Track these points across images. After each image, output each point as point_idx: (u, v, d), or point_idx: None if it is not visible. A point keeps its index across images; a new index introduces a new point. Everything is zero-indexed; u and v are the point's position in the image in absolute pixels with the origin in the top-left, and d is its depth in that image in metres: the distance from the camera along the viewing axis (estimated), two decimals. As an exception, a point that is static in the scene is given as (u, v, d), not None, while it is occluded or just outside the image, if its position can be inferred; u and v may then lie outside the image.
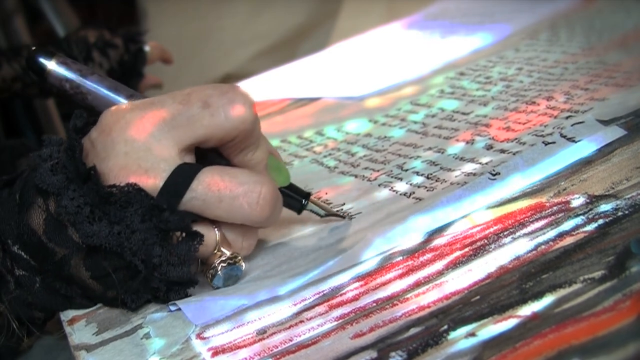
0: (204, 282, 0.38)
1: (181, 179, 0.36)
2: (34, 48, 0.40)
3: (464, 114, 0.55)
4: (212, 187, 0.36)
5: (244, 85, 0.93)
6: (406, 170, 0.47)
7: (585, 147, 0.41)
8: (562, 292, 0.29)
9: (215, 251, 0.37)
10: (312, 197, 0.42)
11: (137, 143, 0.36)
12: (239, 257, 0.38)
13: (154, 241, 0.35)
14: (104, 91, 0.40)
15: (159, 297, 0.37)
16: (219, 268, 0.37)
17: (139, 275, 0.36)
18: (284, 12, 1.30)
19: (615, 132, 0.42)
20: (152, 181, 0.36)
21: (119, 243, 0.35)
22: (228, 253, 0.38)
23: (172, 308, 0.37)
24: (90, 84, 0.40)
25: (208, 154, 0.38)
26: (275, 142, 0.63)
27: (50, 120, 1.18)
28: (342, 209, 0.45)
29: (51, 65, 0.40)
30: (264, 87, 0.90)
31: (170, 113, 0.36)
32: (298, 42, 1.29)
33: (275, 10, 1.31)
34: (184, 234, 0.36)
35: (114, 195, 0.35)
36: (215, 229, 0.37)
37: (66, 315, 0.39)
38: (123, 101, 0.39)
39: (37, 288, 0.38)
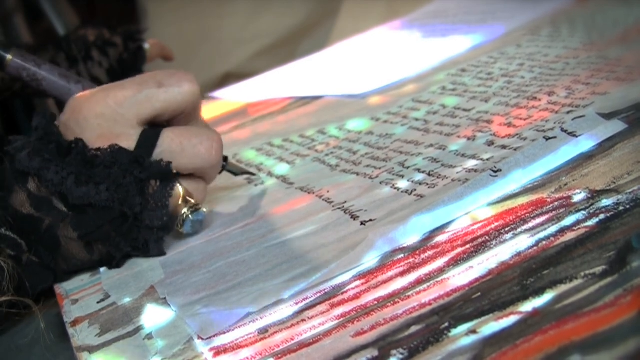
0: (204, 286, 0.38)
1: (149, 137, 0.43)
2: None
3: (465, 110, 0.55)
4: (175, 140, 0.43)
5: (246, 84, 0.93)
6: (408, 167, 0.47)
7: (586, 142, 0.41)
8: (563, 288, 0.29)
9: (181, 202, 0.44)
10: (229, 160, 0.51)
11: (107, 116, 0.42)
12: (199, 205, 0.45)
13: (135, 193, 0.42)
14: (56, 77, 0.46)
15: (138, 247, 0.43)
16: (188, 213, 0.44)
17: (125, 224, 0.42)
18: (284, 12, 1.30)
19: (616, 126, 0.42)
20: (126, 143, 0.42)
21: (107, 198, 0.41)
22: (192, 200, 0.44)
23: (174, 309, 0.37)
24: (44, 72, 0.46)
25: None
26: (277, 141, 0.63)
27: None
28: (257, 171, 0.56)
29: (9, 56, 0.46)
30: (266, 86, 0.90)
31: (132, 92, 0.42)
32: (298, 42, 1.29)
33: (275, 10, 1.30)
34: (158, 183, 0.42)
35: (99, 157, 0.41)
36: (178, 184, 0.44)
37: (69, 316, 0.39)
38: (73, 85, 0.46)
39: (25, 261, 0.41)
